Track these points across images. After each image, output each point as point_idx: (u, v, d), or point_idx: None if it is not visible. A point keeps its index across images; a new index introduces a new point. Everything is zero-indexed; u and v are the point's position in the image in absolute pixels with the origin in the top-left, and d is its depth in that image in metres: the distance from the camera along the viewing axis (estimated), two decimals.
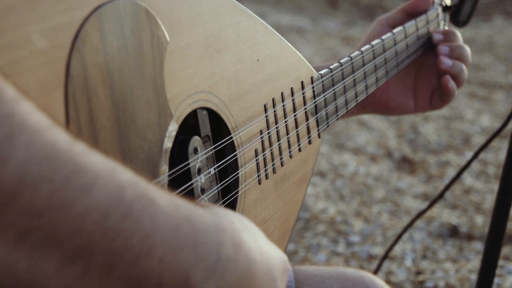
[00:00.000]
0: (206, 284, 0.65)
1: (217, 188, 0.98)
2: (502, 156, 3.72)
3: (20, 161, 0.54)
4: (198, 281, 0.64)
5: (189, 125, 0.94)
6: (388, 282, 2.69)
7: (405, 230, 2.00)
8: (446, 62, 1.47)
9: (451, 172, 3.59)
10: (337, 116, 1.26)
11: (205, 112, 0.96)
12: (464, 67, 1.49)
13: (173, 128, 0.85)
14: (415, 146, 3.96)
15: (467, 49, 1.51)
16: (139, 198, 0.61)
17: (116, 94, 0.75)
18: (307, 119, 1.17)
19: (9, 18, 0.64)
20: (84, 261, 0.58)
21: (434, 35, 1.52)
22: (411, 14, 1.52)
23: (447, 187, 1.89)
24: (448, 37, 1.52)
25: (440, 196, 1.90)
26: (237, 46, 1.01)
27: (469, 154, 3.81)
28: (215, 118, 0.98)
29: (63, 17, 0.69)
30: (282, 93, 1.10)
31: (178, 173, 0.90)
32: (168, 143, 0.85)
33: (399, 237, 2.02)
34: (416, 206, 3.24)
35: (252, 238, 0.72)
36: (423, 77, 1.54)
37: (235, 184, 1.01)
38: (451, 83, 1.47)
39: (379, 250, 2.89)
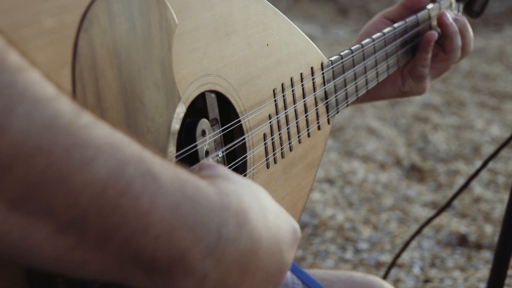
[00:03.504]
0: (203, 263, 0.65)
1: None
2: None
3: (17, 132, 0.54)
4: (194, 260, 0.64)
5: (197, 108, 0.94)
6: None
7: (412, 237, 1.99)
8: (446, 17, 1.44)
9: (460, 181, 3.57)
10: (347, 102, 1.26)
11: (213, 95, 0.96)
12: (457, 31, 1.44)
13: (181, 110, 0.85)
14: (425, 155, 3.94)
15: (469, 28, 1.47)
16: (141, 174, 0.61)
17: (124, 74, 0.75)
18: (316, 105, 1.17)
19: None
20: (77, 232, 0.58)
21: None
22: (411, 8, 1.48)
23: (456, 195, 1.88)
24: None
25: (448, 204, 1.89)
26: (247, 30, 1.00)
27: (478, 164, 3.80)
28: (223, 101, 0.98)
29: None
30: (291, 78, 1.10)
31: (186, 155, 0.89)
32: (176, 125, 0.84)
33: (406, 244, 2.00)
34: (424, 215, 3.23)
35: (260, 214, 0.71)
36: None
37: (243, 167, 1.01)
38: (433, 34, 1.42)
39: (387, 258, 2.87)
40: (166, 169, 0.64)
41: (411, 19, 1.43)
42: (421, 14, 1.46)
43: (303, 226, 3.12)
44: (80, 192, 0.57)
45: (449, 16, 1.44)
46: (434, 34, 1.42)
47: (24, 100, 0.54)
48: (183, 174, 0.66)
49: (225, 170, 0.75)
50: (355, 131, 4.26)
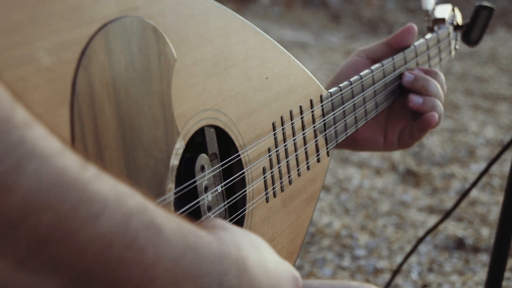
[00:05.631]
0: None
1: (224, 205, 0.98)
2: (507, 167, 3.71)
3: (27, 190, 0.53)
4: None
5: (196, 143, 0.94)
6: None
7: (416, 246, 1.99)
8: (416, 100, 1.37)
9: (456, 185, 3.59)
10: (346, 134, 1.25)
11: (212, 129, 0.95)
12: (437, 101, 1.38)
13: (180, 146, 0.85)
14: (420, 159, 3.96)
15: (434, 83, 1.39)
16: (146, 227, 0.61)
17: (123, 111, 0.75)
18: (315, 137, 1.17)
19: (14, 35, 0.64)
20: (83, 287, 0.58)
21: (405, 75, 1.40)
22: (394, 47, 1.43)
23: (459, 201, 1.88)
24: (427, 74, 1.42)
25: (452, 210, 1.89)
26: (246, 64, 1.00)
27: (474, 166, 3.81)
28: (223, 135, 0.97)
29: (69, 35, 0.69)
30: (291, 111, 1.10)
31: (184, 191, 0.89)
32: (174, 161, 0.84)
33: (408, 255, 2.01)
34: (421, 219, 3.24)
35: (258, 262, 0.72)
36: (396, 112, 1.43)
37: (243, 202, 1.01)
38: (434, 116, 1.35)
39: (385, 264, 2.88)
40: (169, 219, 0.64)
41: (409, 50, 1.42)
42: (419, 44, 1.45)
43: None
44: (86, 247, 0.56)
45: (414, 97, 1.37)
46: (435, 116, 1.36)
47: (33, 157, 0.54)
48: (184, 224, 0.66)
49: (221, 221, 0.76)
50: None
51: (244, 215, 1.01)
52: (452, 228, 3.14)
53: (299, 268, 2.88)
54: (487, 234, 3.08)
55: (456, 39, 1.66)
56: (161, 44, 0.81)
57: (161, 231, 0.62)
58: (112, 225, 0.58)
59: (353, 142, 1.42)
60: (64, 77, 0.68)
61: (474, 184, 1.82)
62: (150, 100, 0.80)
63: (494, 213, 3.27)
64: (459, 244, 3.04)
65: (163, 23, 0.82)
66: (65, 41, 0.69)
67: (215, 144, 0.96)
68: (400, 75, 1.40)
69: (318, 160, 1.18)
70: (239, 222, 1.01)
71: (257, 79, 1.03)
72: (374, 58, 1.42)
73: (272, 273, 0.74)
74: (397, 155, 3.98)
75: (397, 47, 1.43)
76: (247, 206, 1.01)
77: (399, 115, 1.43)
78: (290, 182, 1.11)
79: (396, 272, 2.07)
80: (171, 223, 0.64)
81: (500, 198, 3.38)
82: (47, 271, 0.56)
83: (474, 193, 3.46)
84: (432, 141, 4.20)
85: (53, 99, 0.67)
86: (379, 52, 1.43)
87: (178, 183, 0.88)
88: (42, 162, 0.55)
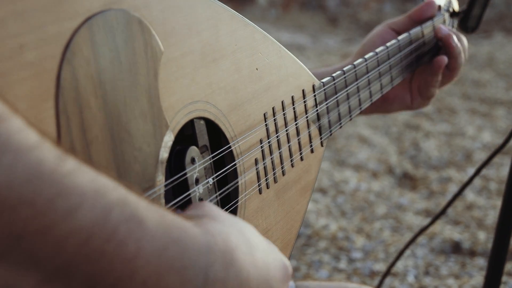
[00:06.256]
0: None
1: (216, 197, 0.97)
2: (504, 172, 3.71)
3: (1, 184, 0.53)
4: None
5: (186, 135, 0.93)
6: None
7: (406, 247, 1.98)
8: (444, 29, 1.50)
9: (452, 188, 3.58)
10: (340, 124, 1.25)
11: (202, 122, 0.95)
12: (461, 51, 1.51)
13: (169, 139, 0.84)
14: (416, 162, 3.95)
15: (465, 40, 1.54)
16: (126, 219, 0.60)
17: (109, 105, 0.74)
18: (308, 127, 1.16)
19: None
20: (63, 281, 0.57)
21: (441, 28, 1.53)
22: (417, 20, 1.53)
23: (449, 204, 1.87)
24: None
25: (442, 212, 1.89)
26: (235, 55, 0.99)
27: (470, 170, 3.80)
28: (213, 127, 0.97)
29: (53, 28, 0.68)
30: (282, 102, 1.10)
31: (175, 183, 0.89)
32: (164, 154, 0.83)
33: (400, 254, 2.00)
34: (417, 223, 3.23)
35: (247, 253, 0.72)
36: (417, 75, 1.55)
37: (235, 194, 1.00)
38: (443, 59, 1.49)
39: (381, 267, 2.87)
40: (152, 212, 0.64)
41: (403, 37, 1.43)
42: (414, 31, 1.47)
43: None
44: (65, 241, 0.56)
45: (455, 37, 1.50)
46: (444, 59, 1.48)
47: (7, 151, 0.54)
48: (168, 216, 0.66)
49: (212, 209, 0.75)
50: (346, 140, 4.26)
51: (236, 206, 1.01)
52: (448, 231, 3.13)
53: (295, 270, 2.87)
54: (484, 238, 3.08)
55: (452, 26, 1.65)
56: (147, 36, 0.80)
57: (142, 223, 0.62)
58: (91, 218, 0.58)
59: (384, 102, 1.53)
60: (48, 71, 0.68)
61: (465, 186, 1.80)
62: (137, 93, 0.79)
63: (491, 217, 3.27)
64: (456, 247, 3.04)
65: (149, 15, 0.82)
66: (48, 35, 0.68)
67: (205, 136, 0.96)
68: (406, 55, 1.46)
69: (312, 151, 1.18)
70: (232, 214, 1.00)
71: (247, 70, 1.02)
72: (398, 31, 1.53)
73: (260, 263, 0.74)
74: (394, 158, 3.98)
75: (418, 19, 1.54)
76: (239, 197, 1.01)
77: (420, 77, 1.55)
78: (283, 173, 1.10)
79: (387, 272, 2.06)
80: (153, 215, 0.63)
81: (497, 202, 3.38)
82: (26, 265, 0.56)
83: (471, 197, 3.46)
84: (429, 145, 4.19)
85: (38, 94, 0.67)
86: (402, 25, 1.54)
87: (168, 176, 0.88)
88: (16, 156, 0.55)
